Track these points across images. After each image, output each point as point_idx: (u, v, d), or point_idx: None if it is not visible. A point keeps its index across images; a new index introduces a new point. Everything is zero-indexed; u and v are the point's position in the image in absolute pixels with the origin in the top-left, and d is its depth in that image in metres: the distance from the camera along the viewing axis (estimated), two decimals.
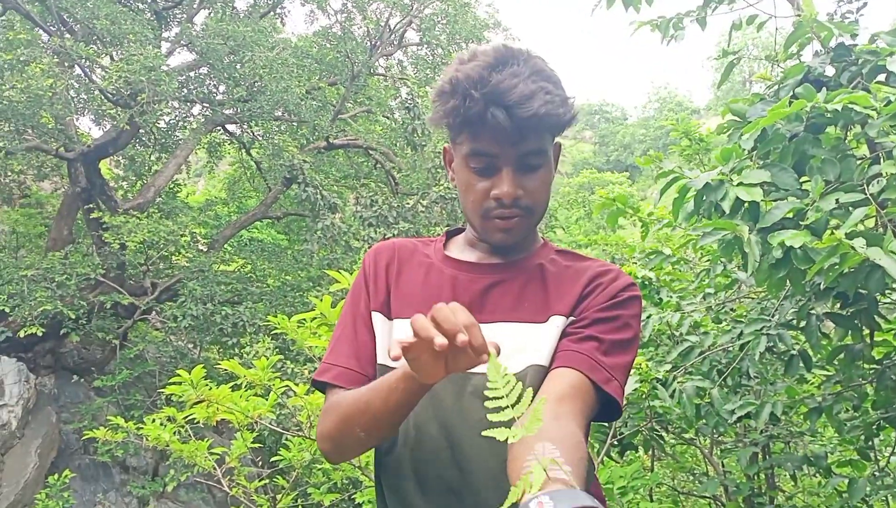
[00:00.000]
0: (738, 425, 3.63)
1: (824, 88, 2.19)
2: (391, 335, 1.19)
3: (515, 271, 1.21)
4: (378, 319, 1.23)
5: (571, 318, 1.14)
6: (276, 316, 3.01)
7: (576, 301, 1.16)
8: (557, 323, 1.14)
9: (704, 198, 2.19)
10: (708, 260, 3.45)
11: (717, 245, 2.09)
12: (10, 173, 10.88)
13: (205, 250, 11.58)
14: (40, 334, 8.83)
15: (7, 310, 8.68)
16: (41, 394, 9.57)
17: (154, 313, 10.42)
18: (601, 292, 1.16)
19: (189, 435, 3.62)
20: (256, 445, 3.47)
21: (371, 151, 12.69)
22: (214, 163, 14.06)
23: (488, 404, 1.04)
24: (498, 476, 1.04)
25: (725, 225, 1.99)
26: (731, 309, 3.30)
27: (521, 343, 1.12)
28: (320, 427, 1.17)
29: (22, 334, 8.78)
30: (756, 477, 3.88)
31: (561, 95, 1.11)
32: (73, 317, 9.06)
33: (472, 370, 1.05)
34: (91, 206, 9.91)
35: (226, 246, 12.40)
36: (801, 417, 3.39)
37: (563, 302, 1.16)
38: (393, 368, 1.10)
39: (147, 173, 12.32)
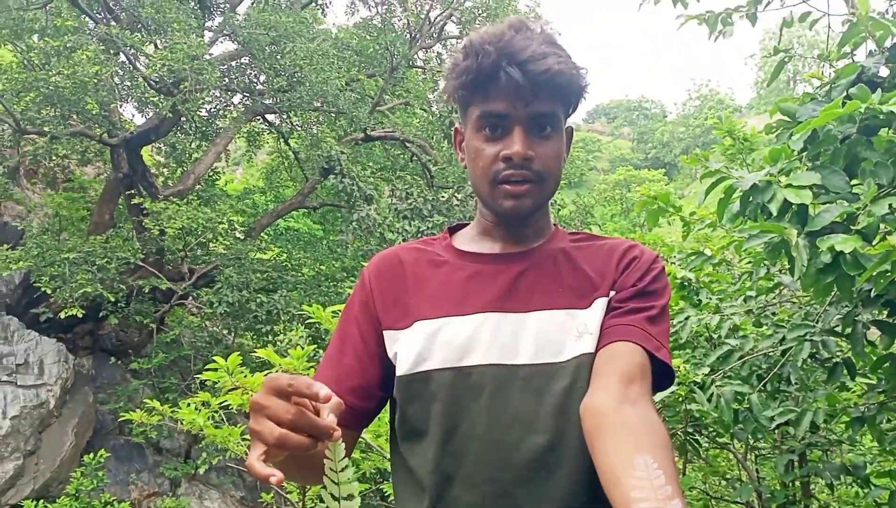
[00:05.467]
0: (775, 431, 3.56)
1: (879, 89, 2.12)
2: (413, 340, 1.11)
3: (540, 257, 1.16)
4: (390, 336, 1.14)
5: (611, 295, 1.13)
6: (310, 305, 3.03)
7: (614, 280, 1.14)
8: (601, 305, 1.12)
9: (751, 199, 2.14)
10: (749, 262, 3.38)
11: (763, 248, 2.04)
12: (54, 158, 11.05)
13: (242, 237, 11.71)
14: (80, 315, 8.97)
15: (49, 291, 8.83)
16: (79, 374, 9.77)
17: (191, 298, 10.57)
18: (636, 265, 1.15)
19: (222, 420, 3.66)
20: None
21: (408, 144, 12.70)
22: (253, 152, 14.22)
23: (546, 396, 1.06)
24: (540, 471, 1.05)
25: (772, 228, 1.94)
26: (773, 313, 3.23)
27: (567, 331, 1.09)
28: None
29: (62, 315, 8.95)
30: (791, 485, 3.80)
31: (573, 62, 1.11)
32: (113, 300, 9.22)
33: (517, 362, 1.07)
34: (132, 191, 10.06)
35: (262, 234, 12.53)
36: (842, 426, 3.31)
37: (603, 283, 1.14)
38: (422, 374, 1.08)
39: (187, 161, 12.48)
